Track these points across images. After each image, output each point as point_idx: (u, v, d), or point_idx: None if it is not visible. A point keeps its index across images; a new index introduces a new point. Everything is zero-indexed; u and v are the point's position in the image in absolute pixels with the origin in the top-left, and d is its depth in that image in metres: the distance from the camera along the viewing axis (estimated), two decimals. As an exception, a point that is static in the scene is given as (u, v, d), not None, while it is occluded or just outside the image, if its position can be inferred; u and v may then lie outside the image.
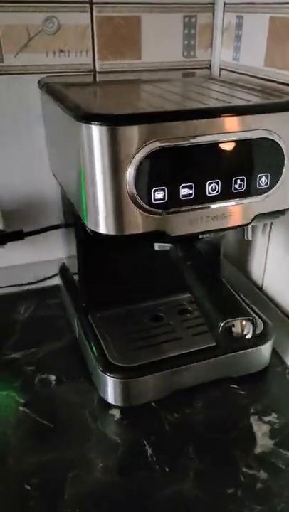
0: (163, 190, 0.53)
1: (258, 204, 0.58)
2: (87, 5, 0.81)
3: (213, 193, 0.55)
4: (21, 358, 0.77)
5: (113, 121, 0.50)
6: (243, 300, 0.78)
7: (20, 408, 0.67)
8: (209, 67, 0.92)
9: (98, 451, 0.61)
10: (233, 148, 0.55)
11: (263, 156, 0.56)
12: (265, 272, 0.85)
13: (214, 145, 0.54)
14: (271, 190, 0.58)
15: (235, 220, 0.58)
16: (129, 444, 0.62)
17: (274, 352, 0.76)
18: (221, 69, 0.90)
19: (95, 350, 0.69)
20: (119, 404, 0.67)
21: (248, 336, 0.49)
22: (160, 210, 0.54)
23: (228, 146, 0.54)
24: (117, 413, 0.66)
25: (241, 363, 0.71)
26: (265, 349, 0.71)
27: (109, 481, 0.57)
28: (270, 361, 0.74)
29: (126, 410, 0.67)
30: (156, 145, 0.51)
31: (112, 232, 0.55)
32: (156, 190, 0.53)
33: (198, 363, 0.67)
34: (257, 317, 0.74)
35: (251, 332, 0.49)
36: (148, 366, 0.66)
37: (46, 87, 0.69)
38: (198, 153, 0.53)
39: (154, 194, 0.53)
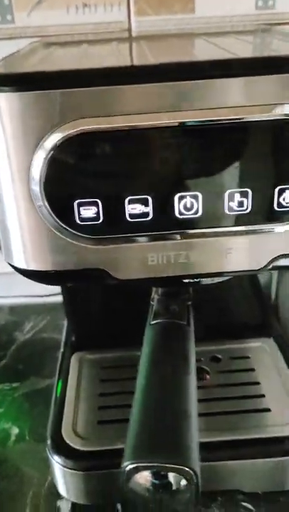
0: (95, 204, 0.32)
1: (278, 238, 0.33)
2: None
3: (189, 214, 0.32)
4: (-5, 393, 0.62)
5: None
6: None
7: None
8: (295, 23, 0.64)
9: None
10: (226, 139, 0.31)
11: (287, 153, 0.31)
12: None
13: (187, 131, 0.30)
14: (306, 215, 0.32)
15: (234, 261, 0.34)
16: None
17: None
18: (312, 24, 0.62)
19: (53, 411, 0.50)
20: (69, 498, 0.47)
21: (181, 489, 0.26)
22: (92, 237, 0.32)
23: (215, 134, 0.30)
24: (65, 507, 0.47)
25: (259, 475, 0.46)
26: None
27: None
28: None
29: (77, 506, 0.47)
30: (78, 127, 0.30)
31: (27, 266, 0.35)
32: (83, 204, 0.32)
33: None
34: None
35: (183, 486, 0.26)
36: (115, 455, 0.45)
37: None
38: (157, 145, 0.31)
39: (80, 210, 0.32)
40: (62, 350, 0.59)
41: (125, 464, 0.26)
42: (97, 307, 0.59)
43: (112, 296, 0.57)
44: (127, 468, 0.26)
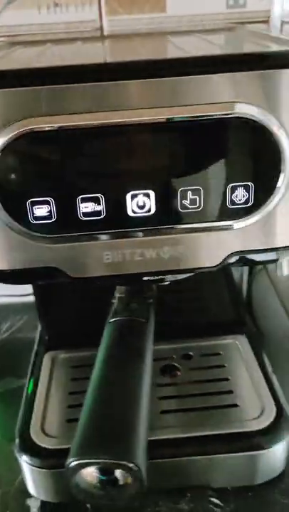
0: (47, 203, 0.32)
1: (231, 235, 0.34)
2: None
3: (142, 213, 0.32)
4: None
5: None
6: (262, 366, 0.52)
7: None
8: (267, 21, 0.65)
9: None
10: (177, 137, 0.31)
11: (239, 151, 0.31)
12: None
13: (139, 130, 0.30)
14: (259, 212, 0.33)
15: (189, 259, 0.34)
16: None
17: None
18: (283, 23, 0.63)
19: (22, 409, 0.50)
20: (38, 497, 0.47)
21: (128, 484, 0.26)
22: (46, 236, 0.33)
23: (165, 133, 0.31)
24: (34, 506, 0.47)
25: (231, 470, 0.46)
26: (268, 456, 0.46)
27: None
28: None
29: (47, 505, 0.47)
30: (27, 126, 0.30)
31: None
32: (36, 204, 0.32)
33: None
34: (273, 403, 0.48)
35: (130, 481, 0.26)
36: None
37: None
38: (109, 144, 0.31)
39: (33, 209, 0.32)
40: (35, 349, 0.59)
41: (69, 460, 0.26)
42: (70, 306, 0.59)
43: (85, 296, 0.57)
44: (71, 465, 0.26)
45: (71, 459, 0.26)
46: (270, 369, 0.53)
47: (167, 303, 0.55)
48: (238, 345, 0.57)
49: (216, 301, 0.60)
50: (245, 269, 0.59)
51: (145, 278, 0.37)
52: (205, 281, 0.57)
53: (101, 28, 0.65)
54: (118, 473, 0.27)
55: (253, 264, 0.48)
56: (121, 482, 0.27)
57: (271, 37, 0.40)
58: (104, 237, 0.33)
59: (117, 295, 0.40)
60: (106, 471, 0.27)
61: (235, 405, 0.49)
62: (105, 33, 0.64)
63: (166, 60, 0.31)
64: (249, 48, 0.38)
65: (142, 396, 0.29)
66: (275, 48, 0.34)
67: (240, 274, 0.61)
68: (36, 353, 0.58)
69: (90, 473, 0.27)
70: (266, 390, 0.50)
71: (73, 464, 0.26)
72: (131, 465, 0.25)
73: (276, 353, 0.60)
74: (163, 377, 0.53)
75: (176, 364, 0.55)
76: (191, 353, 0.56)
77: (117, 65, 0.30)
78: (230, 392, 0.50)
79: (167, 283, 0.41)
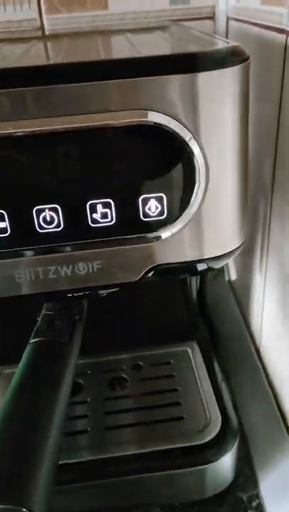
0: None
1: (150, 248, 0.32)
2: None
3: (50, 228, 0.30)
4: None
5: None
6: (212, 375, 0.51)
7: None
8: (212, 18, 0.63)
9: None
10: (84, 148, 0.29)
11: (150, 162, 0.29)
12: (262, 326, 0.56)
13: (43, 140, 0.28)
14: (175, 224, 0.31)
15: (107, 275, 0.32)
16: None
17: (248, 466, 0.48)
18: (229, 19, 0.61)
19: None
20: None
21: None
22: None
23: (71, 143, 0.29)
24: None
25: (177, 486, 0.45)
26: (214, 469, 0.44)
27: None
28: (238, 482, 0.47)
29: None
30: None
31: None
32: None
33: (89, 482, 0.43)
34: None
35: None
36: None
37: None
38: (11, 155, 0.29)
39: None
40: (-20, 364, 0.57)
41: None
42: (15, 321, 0.57)
43: (30, 310, 0.55)
44: None
45: None
46: (220, 377, 0.52)
47: (113, 312, 0.53)
48: (189, 353, 0.55)
49: (166, 308, 0.58)
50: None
51: (69, 294, 0.35)
52: (154, 287, 0.55)
53: (42, 27, 0.62)
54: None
55: (184, 275, 0.47)
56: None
57: (196, 36, 0.38)
58: (12, 255, 0.31)
59: (42, 312, 0.38)
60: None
61: (182, 418, 0.47)
62: (47, 32, 0.62)
63: (69, 64, 0.29)
64: (167, 49, 0.36)
65: (51, 430, 0.27)
66: (192, 49, 0.32)
67: (194, 279, 0.60)
68: (-19, 369, 0.56)
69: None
70: (213, 400, 0.48)
71: None
72: (24, 510, 0.23)
73: (231, 357, 0.58)
74: (111, 390, 0.52)
75: (124, 376, 0.53)
76: (141, 363, 0.55)
77: (12, 70, 0.28)
78: (178, 404, 0.49)
79: (104, 295, 0.40)
